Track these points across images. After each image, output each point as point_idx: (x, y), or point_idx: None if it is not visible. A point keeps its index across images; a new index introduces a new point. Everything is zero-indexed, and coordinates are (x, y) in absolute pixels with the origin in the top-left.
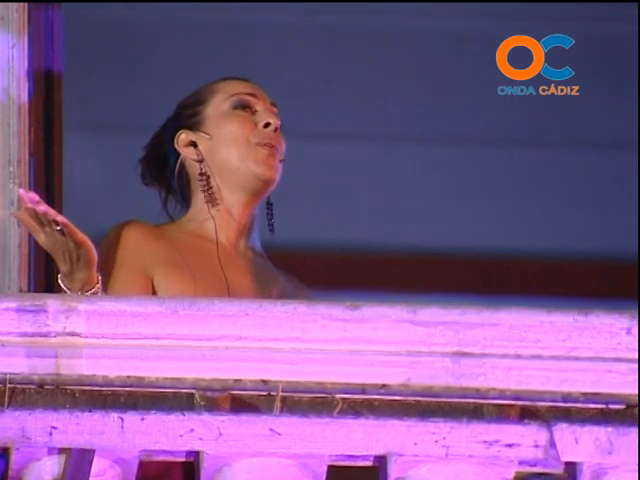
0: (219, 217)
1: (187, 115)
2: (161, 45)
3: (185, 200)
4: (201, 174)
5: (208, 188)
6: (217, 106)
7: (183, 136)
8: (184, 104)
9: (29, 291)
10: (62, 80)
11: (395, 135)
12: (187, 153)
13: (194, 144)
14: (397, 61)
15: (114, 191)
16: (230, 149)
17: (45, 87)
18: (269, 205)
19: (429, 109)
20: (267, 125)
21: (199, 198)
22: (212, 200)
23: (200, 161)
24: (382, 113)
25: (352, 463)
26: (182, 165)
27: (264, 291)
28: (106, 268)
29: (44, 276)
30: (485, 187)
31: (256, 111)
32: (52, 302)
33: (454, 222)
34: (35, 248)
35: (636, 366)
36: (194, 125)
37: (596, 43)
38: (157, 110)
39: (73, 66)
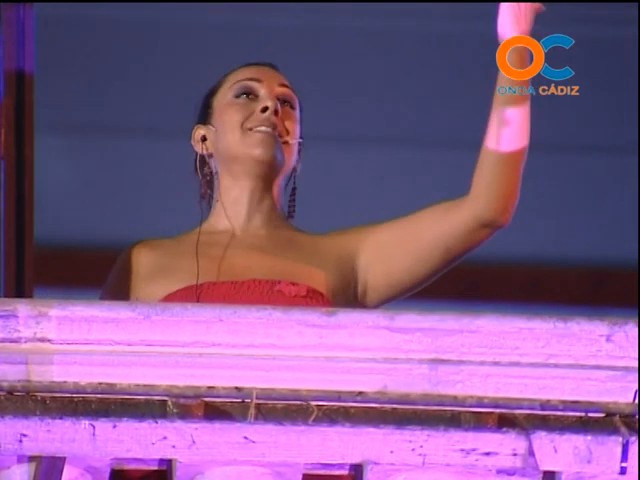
0: (227, 210)
1: (202, 109)
2: (135, 45)
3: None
4: (201, 167)
5: (205, 183)
6: (222, 96)
7: (197, 132)
8: (202, 98)
9: None
10: (34, 81)
11: (386, 138)
12: (199, 149)
13: (204, 138)
14: (395, 63)
15: (86, 193)
16: (228, 138)
17: (16, 88)
18: (293, 190)
19: (426, 112)
20: (265, 109)
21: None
22: (211, 194)
23: (210, 155)
24: (377, 116)
25: (327, 472)
26: (203, 161)
27: (299, 265)
28: (104, 294)
29: (14, 281)
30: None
31: (258, 96)
32: (22, 307)
33: None
34: (5, 253)
35: (615, 373)
36: (205, 119)
37: (596, 46)
38: (130, 111)
39: (45, 66)
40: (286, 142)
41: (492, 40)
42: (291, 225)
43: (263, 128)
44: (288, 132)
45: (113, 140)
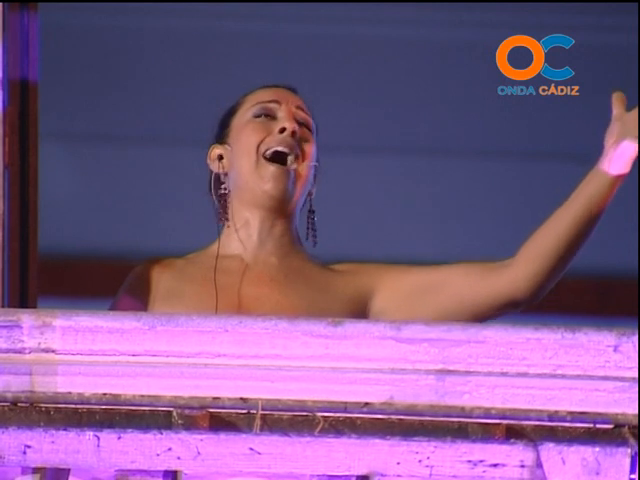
0: (238, 232)
1: (219, 127)
2: (140, 53)
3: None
4: (218, 187)
5: (221, 202)
6: (241, 116)
7: (214, 150)
8: (220, 117)
9: (3, 306)
10: (38, 89)
11: (379, 146)
12: (215, 167)
13: (221, 157)
14: (393, 70)
15: (90, 202)
16: (243, 161)
17: (20, 96)
18: (310, 213)
19: (423, 120)
20: (282, 130)
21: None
22: (225, 216)
23: (225, 174)
24: (374, 124)
25: None
26: (218, 181)
27: (305, 301)
28: (113, 308)
29: (18, 291)
30: (472, 199)
31: (276, 117)
32: (27, 317)
33: (442, 235)
34: (9, 262)
35: (623, 384)
36: (223, 138)
37: (595, 55)
38: (134, 119)
39: (49, 75)
40: (298, 170)
41: (491, 50)
42: (303, 252)
43: (280, 148)
44: (304, 155)
45: (117, 149)
